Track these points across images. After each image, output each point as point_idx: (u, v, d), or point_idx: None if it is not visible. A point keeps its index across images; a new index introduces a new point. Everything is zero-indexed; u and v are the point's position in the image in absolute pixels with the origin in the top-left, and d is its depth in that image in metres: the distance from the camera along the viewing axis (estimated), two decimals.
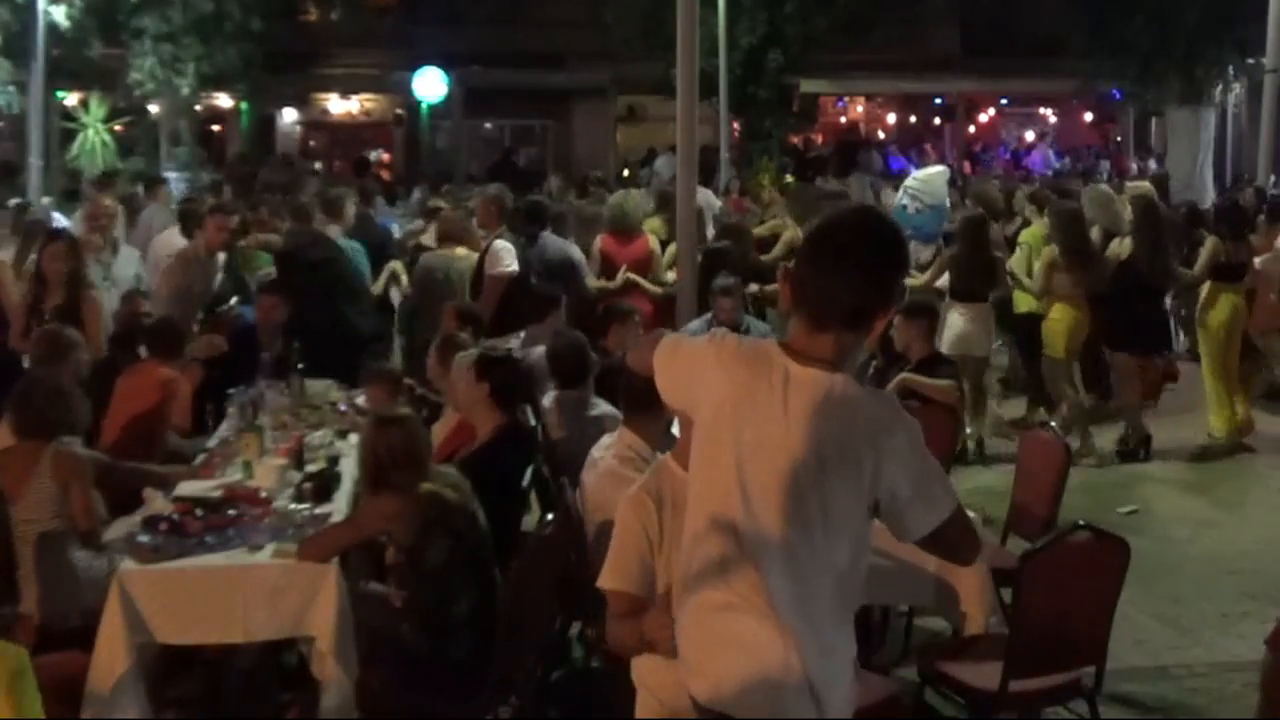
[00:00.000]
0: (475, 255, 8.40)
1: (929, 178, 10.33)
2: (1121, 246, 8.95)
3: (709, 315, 7.57)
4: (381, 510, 4.51)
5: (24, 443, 4.85)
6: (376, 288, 9.17)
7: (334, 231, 8.75)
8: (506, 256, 8.11)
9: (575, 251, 8.88)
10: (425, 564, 4.37)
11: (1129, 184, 11.92)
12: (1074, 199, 10.30)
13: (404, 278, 9.37)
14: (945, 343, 8.64)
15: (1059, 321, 8.81)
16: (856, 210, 3.10)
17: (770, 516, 2.67)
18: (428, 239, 9.40)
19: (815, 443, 2.64)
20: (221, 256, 8.34)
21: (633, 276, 8.95)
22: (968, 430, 8.63)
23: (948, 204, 9.89)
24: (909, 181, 10.21)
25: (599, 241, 9.23)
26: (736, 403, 2.72)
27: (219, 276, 8.31)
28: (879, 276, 2.71)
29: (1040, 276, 8.80)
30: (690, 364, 2.89)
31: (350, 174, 18.41)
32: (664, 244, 9.32)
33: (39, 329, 6.52)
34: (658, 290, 8.91)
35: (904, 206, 10.00)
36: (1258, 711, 3.20)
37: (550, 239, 8.75)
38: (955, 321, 8.74)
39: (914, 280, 9.10)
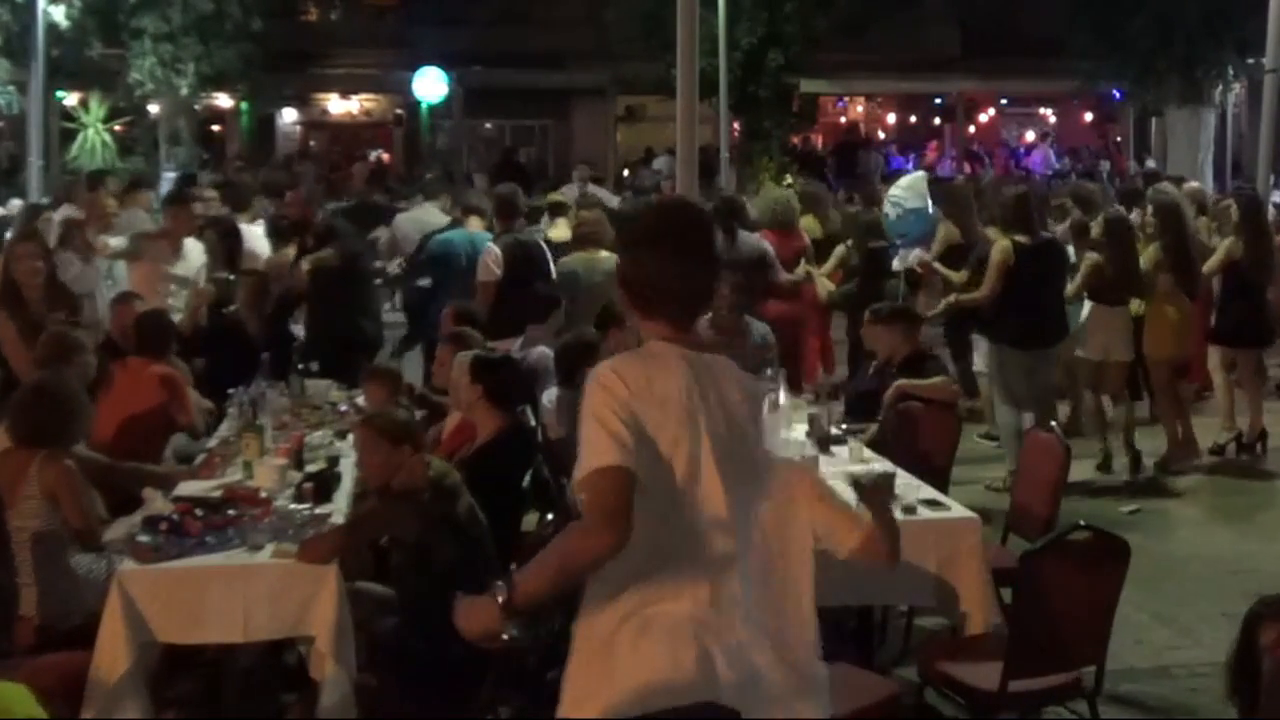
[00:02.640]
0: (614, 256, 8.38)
1: (910, 184, 10.42)
2: (1235, 246, 8.70)
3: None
4: (382, 511, 4.51)
5: (18, 449, 4.82)
6: None
7: (475, 225, 8.70)
8: (492, 261, 8.08)
9: (766, 246, 8.83)
10: (432, 564, 4.37)
11: (1186, 186, 11.70)
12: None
13: None
14: (1088, 348, 8.52)
15: (1166, 322, 8.55)
16: (671, 204, 3.38)
17: (694, 510, 2.74)
18: None
19: (714, 423, 2.76)
20: (200, 249, 8.24)
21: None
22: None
23: (930, 206, 9.91)
24: (891, 192, 10.37)
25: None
26: (649, 408, 2.76)
27: (200, 268, 8.13)
28: (713, 255, 2.91)
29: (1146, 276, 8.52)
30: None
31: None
32: (816, 243, 9.66)
33: (47, 331, 6.28)
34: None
35: (887, 215, 10.12)
36: (1242, 711, 3.21)
37: (745, 236, 8.70)
38: (1098, 327, 8.49)
39: (1069, 290, 8.40)
